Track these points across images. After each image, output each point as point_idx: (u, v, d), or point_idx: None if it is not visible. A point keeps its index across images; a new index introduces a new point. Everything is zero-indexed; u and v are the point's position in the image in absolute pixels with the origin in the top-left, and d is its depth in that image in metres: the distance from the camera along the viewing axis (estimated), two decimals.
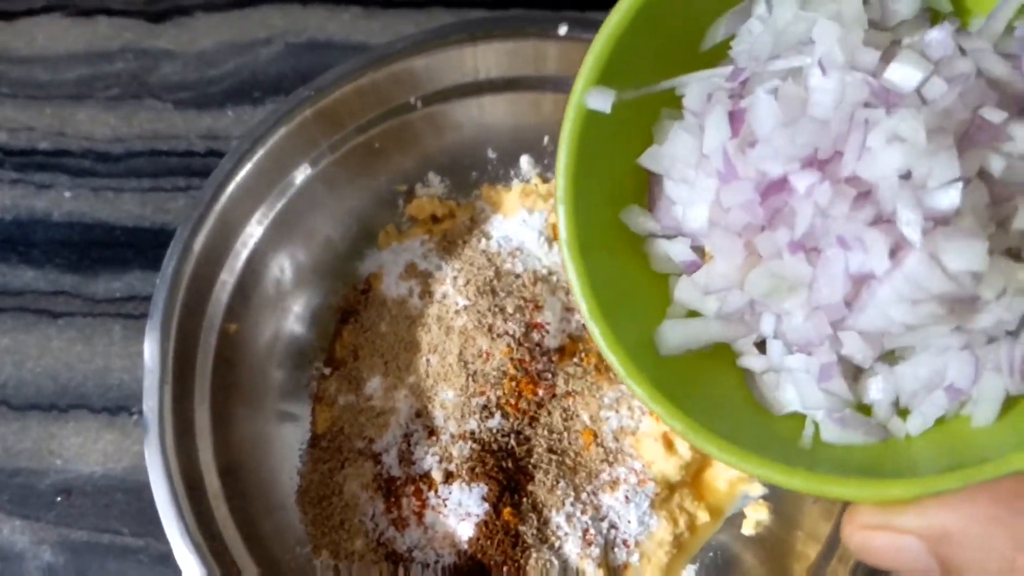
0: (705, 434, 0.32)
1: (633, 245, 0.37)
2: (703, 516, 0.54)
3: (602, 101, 0.34)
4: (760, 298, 0.33)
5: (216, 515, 0.49)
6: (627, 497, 0.52)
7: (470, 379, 0.53)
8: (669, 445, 0.53)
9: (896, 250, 0.30)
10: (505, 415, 0.53)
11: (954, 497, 0.28)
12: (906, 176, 0.30)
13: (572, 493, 0.52)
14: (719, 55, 0.36)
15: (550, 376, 0.54)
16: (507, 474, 0.52)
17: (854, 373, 0.34)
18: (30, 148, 0.67)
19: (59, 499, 0.59)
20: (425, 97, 0.58)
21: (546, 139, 0.60)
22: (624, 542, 0.52)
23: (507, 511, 0.51)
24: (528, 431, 0.53)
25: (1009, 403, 0.32)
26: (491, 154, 0.61)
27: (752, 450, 0.31)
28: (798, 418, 0.35)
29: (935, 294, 0.30)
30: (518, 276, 0.56)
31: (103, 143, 0.67)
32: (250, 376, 0.55)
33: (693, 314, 0.36)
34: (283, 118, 0.53)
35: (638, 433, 0.54)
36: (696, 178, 0.35)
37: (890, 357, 0.33)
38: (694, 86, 0.35)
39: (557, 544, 0.51)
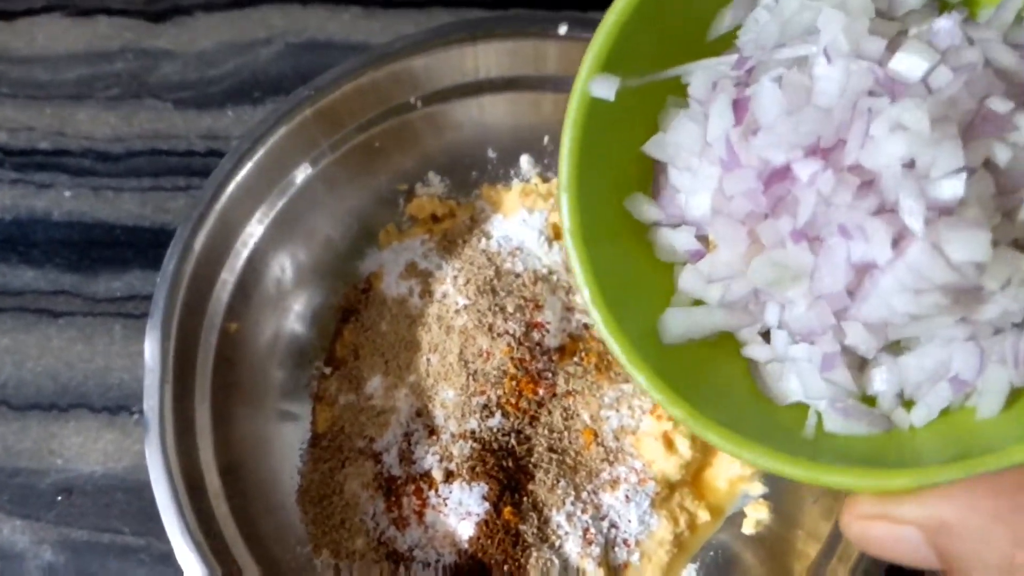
0: (705, 422, 0.31)
1: (637, 234, 0.37)
2: (703, 515, 0.54)
3: (606, 88, 0.34)
4: (763, 287, 0.33)
5: (217, 514, 0.49)
6: (627, 496, 0.52)
7: (470, 378, 0.53)
8: (669, 444, 0.53)
9: (899, 240, 0.30)
10: (505, 414, 0.53)
11: (954, 488, 0.28)
12: (909, 165, 0.30)
13: (572, 492, 0.52)
14: (725, 45, 0.36)
15: (550, 375, 0.54)
16: (507, 473, 0.52)
17: (859, 364, 0.34)
18: (30, 148, 0.67)
19: (60, 498, 0.59)
20: (425, 97, 0.58)
21: (546, 139, 0.60)
22: (624, 541, 0.52)
23: (507, 510, 0.51)
24: (528, 430, 0.53)
25: (1014, 395, 0.32)
26: (491, 154, 0.61)
27: (753, 439, 0.31)
28: (801, 408, 0.34)
29: (938, 284, 0.29)
30: (518, 275, 0.56)
31: (103, 143, 0.67)
32: (251, 375, 0.55)
33: (698, 303, 0.36)
34: (283, 117, 0.53)
35: (638, 432, 0.54)
36: (699, 166, 0.34)
37: (895, 348, 0.33)
38: (699, 74, 0.35)
39: (558, 543, 0.51)
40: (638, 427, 0.54)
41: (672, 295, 0.36)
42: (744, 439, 0.31)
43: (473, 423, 0.53)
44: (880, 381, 0.33)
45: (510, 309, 0.55)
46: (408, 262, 0.58)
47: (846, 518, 0.31)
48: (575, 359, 0.55)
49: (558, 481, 0.52)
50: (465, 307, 0.55)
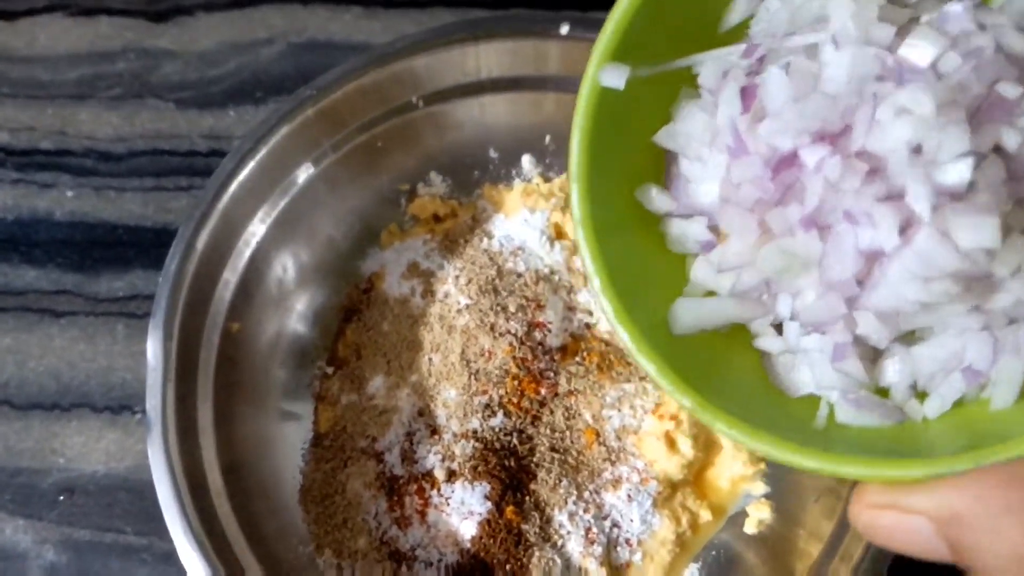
0: (714, 411, 0.31)
1: (649, 226, 0.37)
2: (705, 515, 0.54)
3: (616, 77, 0.34)
4: (772, 275, 0.33)
5: (219, 514, 0.49)
6: (629, 496, 0.52)
7: (472, 378, 0.53)
8: (671, 444, 0.53)
9: (906, 227, 0.30)
10: (507, 414, 0.53)
11: (965, 479, 0.28)
12: (917, 151, 0.29)
13: (575, 492, 0.52)
14: (738, 36, 0.36)
15: (552, 375, 0.54)
16: (510, 473, 0.52)
17: (871, 356, 0.33)
18: (32, 148, 0.67)
19: (62, 498, 0.59)
20: (427, 96, 0.58)
21: (548, 138, 0.60)
22: (627, 541, 0.52)
23: (510, 510, 0.51)
24: (530, 430, 0.53)
25: None
26: (493, 153, 0.61)
27: (763, 429, 0.31)
28: (813, 401, 0.34)
29: (948, 272, 0.29)
30: (520, 275, 0.56)
31: (105, 143, 0.67)
32: (253, 375, 0.55)
33: (710, 295, 0.36)
34: (285, 117, 0.53)
35: (640, 432, 0.54)
36: (709, 155, 0.34)
37: (908, 339, 0.33)
38: (710, 64, 0.35)
39: (560, 543, 0.51)
40: (640, 427, 0.54)
41: (683, 287, 0.36)
42: (754, 428, 0.31)
43: (475, 423, 0.53)
44: (893, 372, 0.33)
45: (512, 309, 0.55)
46: (410, 262, 0.58)
47: (855, 507, 0.31)
48: (577, 359, 0.55)
49: (560, 481, 0.52)
50: (467, 307, 0.55)
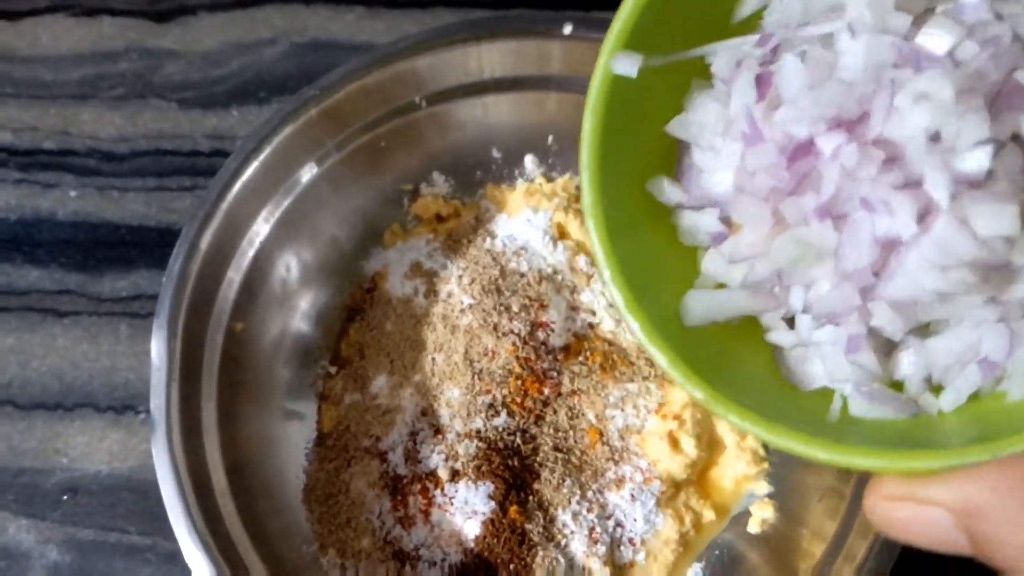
0: (726, 401, 0.31)
1: (660, 218, 0.36)
2: (709, 514, 0.54)
3: (628, 66, 0.34)
4: (786, 266, 0.32)
5: (223, 513, 0.49)
6: (633, 495, 0.52)
7: (476, 378, 0.53)
8: (675, 444, 0.53)
9: (924, 215, 0.29)
10: (511, 413, 0.53)
11: (984, 470, 0.27)
12: (935, 139, 0.29)
13: (578, 491, 0.52)
14: (751, 28, 0.36)
15: (556, 375, 0.54)
16: (513, 472, 0.52)
17: (885, 349, 0.33)
18: (35, 148, 0.67)
19: (65, 498, 0.59)
20: (429, 97, 0.58)
21: (550, 138, 0.60)
22: (630, 540, 0.52)
23: (513, 509, 0.51)
24: (534, 429, 0.53)
25: None
26: (495, 153, 0.61)
27: (775, 420, 0.30)
28: (826, 394, 0.34)
29: (966, 260, 0.29)
30: (523, 275, 0.56)
31: (108, 142, 0.67)
32: (256, 374, 0.55)
33: (722, 288, 0.35)
34: (289, 117, 0.54)
35: (644, 432, 0.54)
36: (722, 144, 0.34)
37: (922, 332, 0.33)
38: (723, 54, 0.35)
39: (563, 542, 0.51)
40: (643, 426, 0.54)
41: (694, 280, 0.36)
42: (766, 419, 0.30)
43: (479, 422, 0.53)
44: (907, 365, 0.32)
45: (515, 308, 0.55)
46: (413, 262, 0.58)
47: (871, 499, 0.30)
48: (580, 358, 0.55)
49: (564, 480, 0.52)
50: (470, 306, 0.55)
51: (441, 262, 0.58)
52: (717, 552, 0.54)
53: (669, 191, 0.36)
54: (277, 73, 0.68)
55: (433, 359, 0.55)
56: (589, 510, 0.52)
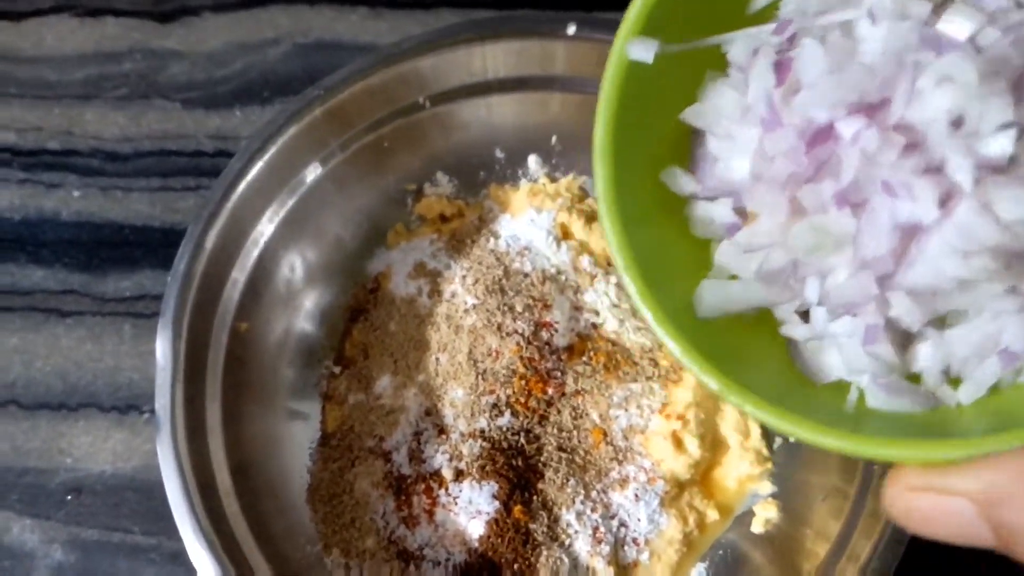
0: (741, 390, 0.30)
1: (673, 211, 0.36)
2: (712, 514, 0.54)
3: (644, 51, 0.33)
4: (803, 254, 0.32)
5: (227, 513, 0.49)
6: (637, 495, 0.52)
7: (479, 378, 0.53)
8: (678, 443, 0.53)
9: (946, 200, 0.29)
10: (515, 413, 0.53)
11: (1007, 457, 0.27)
12: (956, 125, 0.29)
13: (582, 491, 0.52)
14: (766, 19, 0.35)
15: (559, 375, 0.54)
16: (517, 472, 0.52)
17: (903, 342, 0.32)
18: (38, 148, 0.68)
19: (69, 498, 0.59)
20: (433, 97, 0.58)
21: (554, 139, 0.60)
22: (634, 540, 0.52)
23: (517, 509, 0.51)
24: (538, 429, 0.53)
25: None
26: (499, 154, 0.61)
27: (792, 410, 0.30)
28: (842, 388, 0.33)
29: (988, 246, 0.28)
30: (527, 275, 0.56)
31: (112, 143, 0.67)
32: (261, 374, 0.55)
33: (736, 280, 0.35)
34: (293, 117, 0.54)
35: (647, 431, 0.54)
36: (739, 131, 0.34)
37: (939, 324, 0.32)
38: (740, 42, 0.34)
39: (567, 542, 0.51)
40: (647, 426, 0.54)
41: (707, 273, 0.35)
42: (782, 409, 0.30)
43: (483, 422, 0.53)
44: (925, 357, 0.32)
45: (519, 308, 0.55)
46: (417, 262, 0.58)
47: (892, 490, 0.29)
48: (584, 358, 0.55)
49: (568, 480, 0.52)
50: (474, 306, 0.55)
51: (445, 262, 0.58)
52: (721, 552, 0.54)
53: (683, 181, 0.36)
54: (281, 73, 0.68)
55: (437, 359, 0.55)
56: (593, 510, 0.52)
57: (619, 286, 0.57)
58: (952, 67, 0.29)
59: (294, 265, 0.58)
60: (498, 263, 0.57)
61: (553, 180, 0.61)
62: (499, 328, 0.54)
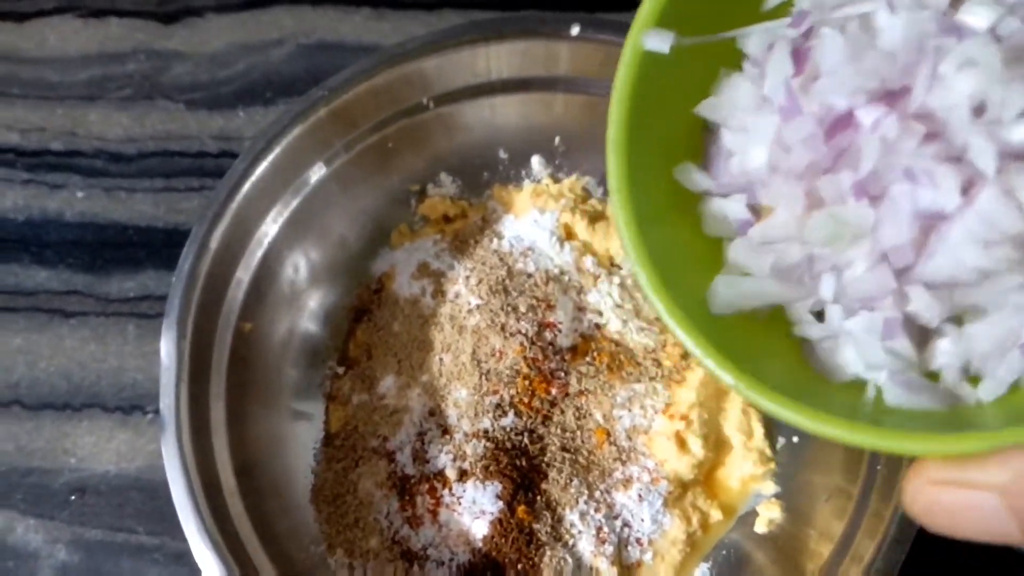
0: (758, 385, 0.30)
1: (686, 209, 0.36)
2: (716, 514, 0.54)
3: (660, 42, 0.33)
4: (821, 245, 0.31)
5: (232, 513, 0.49)
6: (640, 495, 0.52)
7: (483, 378, 0.54)
8: (682, 444, 0.53)
9: (968, 188, 0.29)
10: (518, 414, 0.53)
11: None
12: (978, 112, 0.29)
13: (586, 491, 0.52)
14: (782, 15, 0.35)
15: (563, 375, 0.54)
16: (521, 472, 0.52)
17: (921, 339, 0.32)
18: (42, 148, 0.68)
19: (73, 498, 0.59)
20: (437, 98, 0.58)
21: (557, 139, 0.60)
22: (637, 540, 0.52)
23: (521, 509, 0.51)
24: (541, 429, 0.53)
25: None
26: (502, 154, 0.61)
27: (811, 406, 0.29)
28: (858, 387, 0.33)
29: (1011, 235, 0.28)
30: (530, 276, 0.56)
31: (115, 143, 0.67)
32: (265, 374, 0.55)
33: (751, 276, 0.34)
34: (298, 118, 0.54)
35: (651, 432, 0.54)
36: (755, 122, 0.33)
37: (958, 321, 0.32)
38: (756, 36, 0.34)
39: (571, 542, 0.51)
40: (650, 426, 0.54)
41: (719, 272, 0.35)
42: (800, 404, 0.29)
43: (486, 422, 0.53)
44: (944, 353, 0.31)
45: (522, 309, 0.55)
46: (420, 262, 0.58)
47: (914, 485, 0.28)
48: (587, 359, 0.55)
49: (571, 480, 0.52)
50: (477, 307, 0.55)
51: (448, 262, 0.58)
52: (724, 552, 0.54)
53: (697, 178, 0.35)
54: (284, 74, 0.68)
55: (441, 359, 0.55)
56: (596, 510, 0.52)
57: (622, 286, 0.57)
58: (975, 50, 0.28)
59: (298, 265, 0.58)
60: (501, 263, 0.57)
61: (556, 181, 0.61)
62: (503, 328, 0.54)
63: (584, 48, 0.55)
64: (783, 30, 0.34)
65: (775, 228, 0.33)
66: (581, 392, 0.54)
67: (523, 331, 0.54)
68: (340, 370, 0.58)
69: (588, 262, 0.58)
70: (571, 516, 0.51)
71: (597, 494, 0.52)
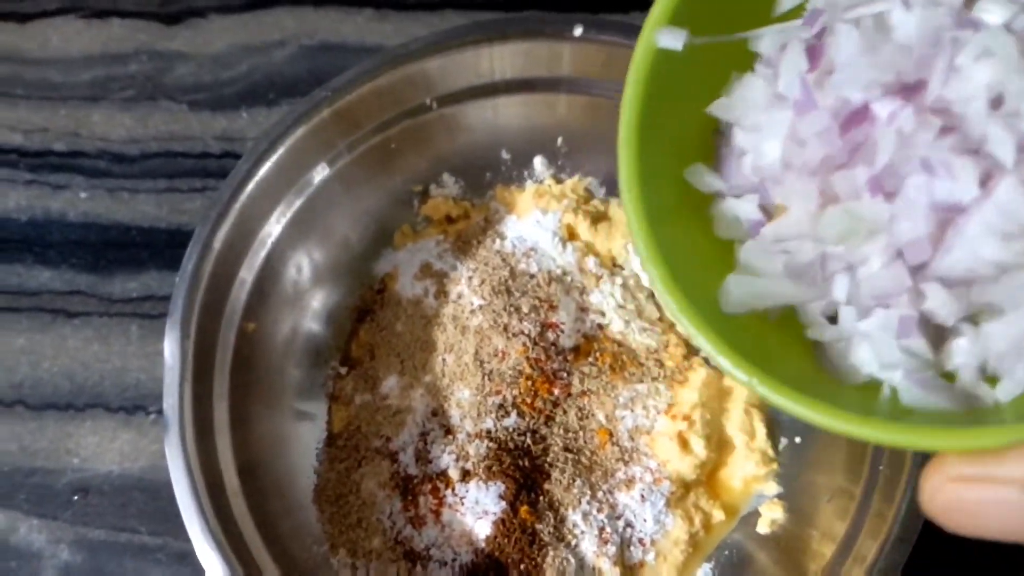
0: (773, 382, 0.29)
1: (696, 210, 0.35)
2: (718, 515, 0.54)
3: (674, 39, 0.33)
4: (835, 241, 0.31)
5: (235, 513, 0.49)
6: (643, 496, 0.52)
7: (486, 378, 0.54)
8: (684, 444, 0.53)
9: (985, 180, 0.28)
10: (521, 414, 0.53)
11: None
12: (996, 105, 0.28)
13: (588, 491, 0.52)
14: (793, 19, 0.35)
15: (565, 375, 0.54)
16: (524, 472, 0.52)
17: (936, 339, 0.31)
18: (45, 149, 0.68)
19: (76, 498, 0.59)
20: (440, 98, 0.58)
21: (560, 140, 0.60)
22: (640, 540, 0.52)
23: (524, 509, 0.51)
24: (544, 430, 0.53)
25: None
26: (505, 155, 0.61)
27: (828, 403, 0.29)
28: (873, 388, 0.32)
29: None
30: (532, 276, 0.57)
31: (118, 144, 0.67)
32: (268, 375, 0.55)
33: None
34: (301, 118, 0.54)
35: (653, 432, 0.54)
36: (768, 119, 0.33)
37: (975, 320, 0.31)
38: (769, 36, 0.34)
39: (574, 542, 0.51)
40: (653, 427, 0.54)
41: (731, 274, 0.34)
42: (818, 400, 0.29)
43: (489, 422, 0.53)
44: (961, 353, 0.31)
45: (525, 309, 0.55)
46: (423, 262, 0.58)
47: (931, 483, 0.27)
48: (590, 359, 0.55)
49: (574, 480, 0.52)
50: (480, 307, 0.55)
51: (451, 263, 0.58)
52: (727, 552, 0.54)
53: (708, 179, 0.35)
54: (286, 75, 0.68)
55: (443, 360, 0.55)
56: (599, 510, 0.52)
57: (624, 287, 0.57)
58: (993, 40, 0.28)
59: (301, 266, 0.58)
60: (504, 264, 0.57)
61: (559, 181, 0.61)
62: (505, 329, 0.54)
63: (587, 49, 0.55)
64: (796, 30, 0.33)
65: (788, 226, 0.33)
66: (583, 392, 0.54)
67: (526, 331, 0.54)
68: (343, 370, 0.58)
69: (590, 263, 0.58)
70: (574, 516, 0.51)
71: (600, 494, 0.52)
